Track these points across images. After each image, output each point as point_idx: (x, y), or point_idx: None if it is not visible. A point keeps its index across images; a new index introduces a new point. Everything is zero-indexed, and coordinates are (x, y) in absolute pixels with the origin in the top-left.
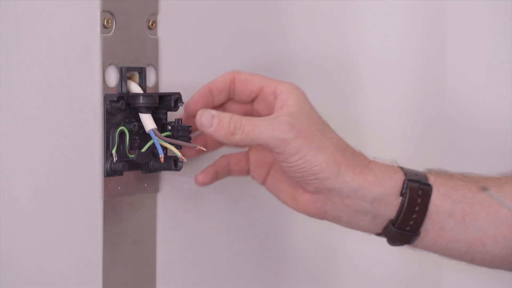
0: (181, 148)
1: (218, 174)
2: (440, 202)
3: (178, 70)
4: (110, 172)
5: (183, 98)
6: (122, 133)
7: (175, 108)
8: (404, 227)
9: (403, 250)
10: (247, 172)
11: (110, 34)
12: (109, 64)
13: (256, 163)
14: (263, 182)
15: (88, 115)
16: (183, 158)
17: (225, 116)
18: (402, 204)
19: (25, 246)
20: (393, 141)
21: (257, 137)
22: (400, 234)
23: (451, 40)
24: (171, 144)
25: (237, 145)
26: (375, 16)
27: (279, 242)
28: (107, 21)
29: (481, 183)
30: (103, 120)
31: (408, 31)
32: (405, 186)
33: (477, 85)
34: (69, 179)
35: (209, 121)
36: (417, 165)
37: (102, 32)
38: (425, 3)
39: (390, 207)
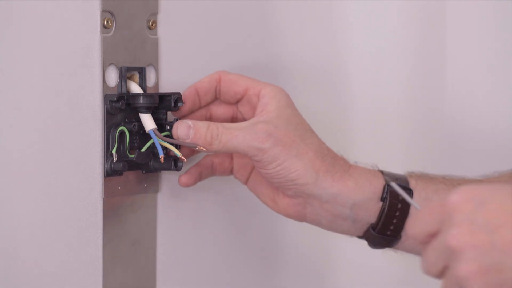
0: (180, 148)
1: (201, 175)
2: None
3: (178, 70)
4: (110, 172)
5: (183, 98)
6: (122, 133)
7: (175, 108)
8: (385, 231)
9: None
10: (231, 172)
11: (110, 34)
12: (109, 64)
13: (239, 164)
14: (245, 183)
15: (88, 115)
16: (183, 158)
17: (201, 126)
18: (382, 209)
19: (25, 246)
20: (389, 142)
21: (234, 147)
22: (381, 238)
23: (450, 39)
24: (171, 144)
25: (216, 153)
26: (372, 14)
27: (279, 242)
28: (107, 21)
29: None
30: (103, 120)
31: (406, 30)
32: (385, 191)
33: (477, 85)
34: (69, 179)
35: (185, 133)
36: (413, 166)
37: (102, 32)
38: (424, 1)
39: (370, 212)
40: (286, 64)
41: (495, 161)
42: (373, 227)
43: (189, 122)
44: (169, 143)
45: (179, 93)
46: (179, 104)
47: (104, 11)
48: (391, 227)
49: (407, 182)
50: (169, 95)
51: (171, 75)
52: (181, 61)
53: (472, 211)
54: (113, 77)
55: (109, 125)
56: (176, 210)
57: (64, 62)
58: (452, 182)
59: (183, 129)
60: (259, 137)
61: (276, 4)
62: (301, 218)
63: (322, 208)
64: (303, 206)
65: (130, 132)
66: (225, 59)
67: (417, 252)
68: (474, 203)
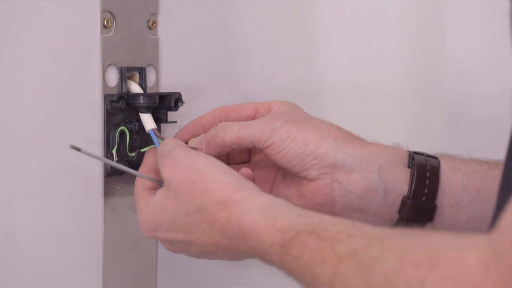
0: None
1: None
2: (450, 174)
3: (178, 70)
4: (110, 172)
5: (183, 98)
6: (122, 133)
7: (175, 108)
8: (420, 197)
9: None
10: None
11: (110, 34)
12: (109, 64)
13: (261, 180)
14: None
15: (88, 115)
16: None
17: (212, 128)
18: (412, 174)
19: (25, 246)
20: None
21: (248, 134)
22: (418, 207)
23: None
24: None
25: (230, 146)
26: None
27: None
28: (107, 21)
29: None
30: (103, 120)
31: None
32: (411, 157)
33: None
34: (69, 179)
35: (199, 144)
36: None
37: (102, 32)
38: None
39: (399, 178)
40: (286, 63)
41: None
42: (406, 197)
43: (201, 136)
44: None
45: (179, 93)
46: (179, 104)
47: (104, 11)
48: (425, 191)
49: (438, 168)
50: (169, 95)
51: (171, 75)
52: (181, 61)
53: (165, 232)
54: (113, 77)
55: (109, 125)
56: None
57: (64, 62)
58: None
59: (196, 142)
60: (270, 120)
61: (276, 4)
62: (331, 204)
63: (349, 182)
64: (330, 189)
65: (130, 132)
66: (225, 59)
67: (458, 227)
68: (160, 231)
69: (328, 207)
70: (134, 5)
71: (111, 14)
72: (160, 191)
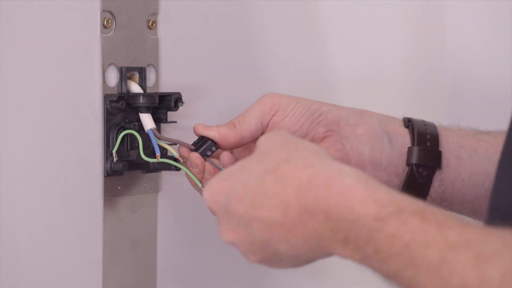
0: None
1: None
2: (446, 133)
3: (178, 70)
4: (110, 172)
5: (183, 98)
6: (128, 135)
7: (175, 108)
8: (424, 143)
9: None
10: None
11: (110, 34)
12: (109, 64)
13: None
14: None
15: (88, 115)
16: (180, 158)
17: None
18: (411, 129)
19: (25, 246)
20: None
21: (255, 114)
22: (425, 152)
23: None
24: (170, 144)
25: (246, 137)
26: None
27: None
28: (107, 21)
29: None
30: (103, 120)
31: None
32: (406, 120)
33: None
34: (69, 179)
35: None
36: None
37: (102, 32)
38: None
39: (399, 132)
40: (285, 64)
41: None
42: (412, 144)
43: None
44: (167, 143)
45: (179, 93)
46: (179, 104)
47: (104, 11)
48: (428, 137)
49: (434, 126)
50: (169, 95)
51: (171, 75)
52: (181, 61)
53: (224, 209)
54: (113, 77)
55: (109, 125)
56: (176, 210)
57: (64, 62)
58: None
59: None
60: (268, 94)
61: (276, 4)
62: (345, 160)
63: (356, 135)
64: (341, 144)
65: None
66: (225, 59)
67: (462, 188)
68: (222, 199)
69: (343, 161)
70: (134, 5)
71: (111, 14)
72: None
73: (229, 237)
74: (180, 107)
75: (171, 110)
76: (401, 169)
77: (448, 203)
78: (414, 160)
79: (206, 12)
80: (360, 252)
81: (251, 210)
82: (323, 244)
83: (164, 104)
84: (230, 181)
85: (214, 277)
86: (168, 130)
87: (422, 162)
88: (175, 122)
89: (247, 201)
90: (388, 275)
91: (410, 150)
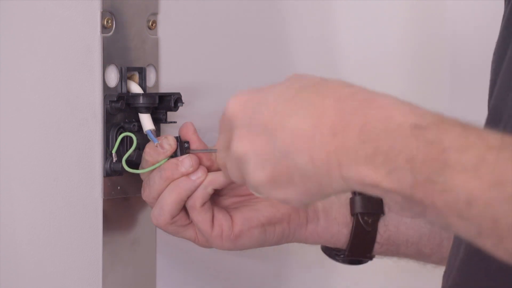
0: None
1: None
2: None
3: (178, 70)
4: (110, 172)
5: (183, 98)
6: (126, 138)
7: (175, 108)
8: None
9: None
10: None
11: (110, 34)
12: (109, 64)
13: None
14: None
15: (88, 115)
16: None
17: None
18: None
19: (25, 246)
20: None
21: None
22: (367, 200)
23: None
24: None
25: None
26: None
27: None
28: (107, 21)
29: None
30: (103, 120)
31: None
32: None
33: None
34: (69, 179)
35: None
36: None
37: (102, 32)
38: None
39: None
40: (286, 63)
41: None
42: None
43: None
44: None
45: (179, 93)
46: (179, 104)
47: (104, 11)
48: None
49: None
50: (169, 95)
51: (171, 75)
52: (181, 61)
53: (249, 118)
54: (113, 77)
55: (109, 125)
56: None
57: (64, 62)
58: None
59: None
60: None
61: (276, 3)
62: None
63: None
64: None
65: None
66: (225, 59)
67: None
68: (251, 106)
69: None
70: (134, 5)
71: (111, 14)
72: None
73: (243, 146)
74: (180, 107)
75: (171, 110)
76: (349, 219)
77: (395, 247)
78: (358, 209)
79: (206, 12)
80: (388, 165)
81: (281, 118)
82: (345, 161)
83: (164, 104)
84: (262, 92)
85: (214, 277)
86: (168, 131)
87: (366, 210)
88: (175, 122)
89: (279, 110)
90: (415, 185)
91: (352, 200)
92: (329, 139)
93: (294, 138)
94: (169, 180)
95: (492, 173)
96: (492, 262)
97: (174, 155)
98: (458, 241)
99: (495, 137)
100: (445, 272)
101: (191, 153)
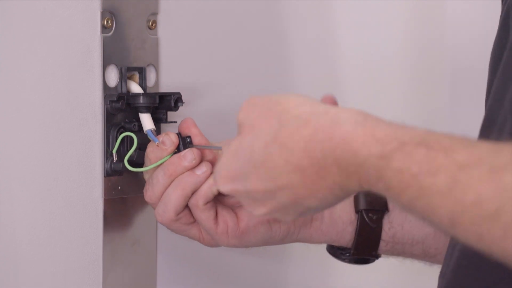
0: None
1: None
2: None
3: (178, 70)
4: (110, 172)
5: (183, 98)
6: (127, 137)
7: (175, 108)
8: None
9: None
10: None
11: (110, 34)
12: (109, 64)
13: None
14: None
15: (88, 115)
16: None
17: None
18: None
19: (25, 246)
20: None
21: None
22: (371, 196)
23: None
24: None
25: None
26: None
27: None
28: (107, 21)
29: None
30: (103, 120)
31: None
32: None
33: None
34: (69, 179)
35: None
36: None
37: (102, 32)
38: None
39: None
40: (286, 63)
41: None
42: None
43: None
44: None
45: (179, 93)
46: (179, 104)
47: (104, 11)
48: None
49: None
50: (169, 94)
51: (171, 75)
52: (181, 61)
53: (245, 193)
54: (113, 77)
55: (109, 125)
56: None
57: (64, 62)
58: None
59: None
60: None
61: (276, 4)
62: None
63: None
64: None
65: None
66: (225, 59)
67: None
68: (240, 186)
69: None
70: (134, 5)
71: (111, 14)
72: (233, 139)
73: (261, 211)
74: (180, 107)
75: (171, 110)
76: (354, 216)
77: (400, 245)
78: (362, 206)
79: (206, 12)
80: (375, 190)
81: (271, 183)
82: (345, 188)
83: (164, 104)
84: (237, 165)
85: (214, 277)
86: (168, 130)
87: (370, 207)
88: (175, 122)
89: (263, 177)
90: (404, 208)
91: (356, 197)
92: (322, 182)
93: (295, 191)
94: (173, 176)
95: (467, 193)
96: (486, 262)
97: (177, 151)
98: (453, 241)
99: (461, 153)
100: (441, 272)
101: (194, 148)
